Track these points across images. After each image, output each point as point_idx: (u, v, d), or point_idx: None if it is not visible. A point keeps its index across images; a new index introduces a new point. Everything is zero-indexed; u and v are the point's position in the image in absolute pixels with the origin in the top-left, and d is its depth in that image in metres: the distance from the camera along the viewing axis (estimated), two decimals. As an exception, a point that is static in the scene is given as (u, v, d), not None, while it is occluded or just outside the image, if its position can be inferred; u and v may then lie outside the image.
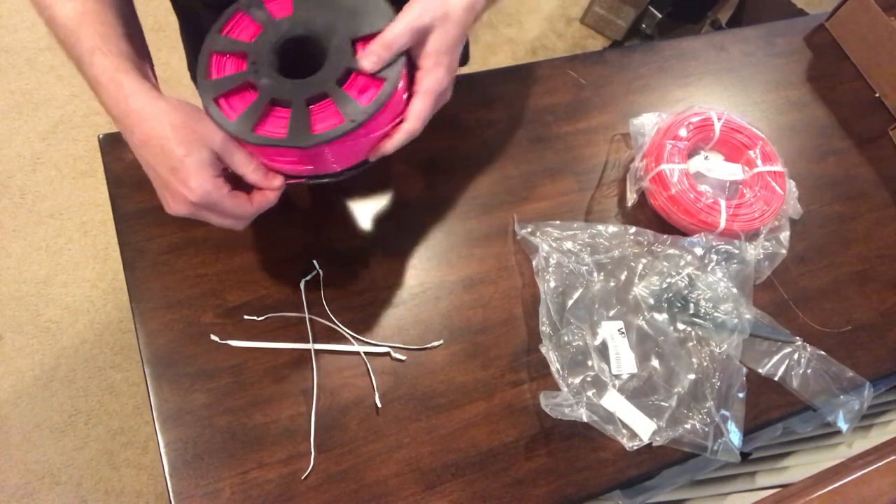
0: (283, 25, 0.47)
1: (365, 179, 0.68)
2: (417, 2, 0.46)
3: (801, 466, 0.71)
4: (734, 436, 0.60)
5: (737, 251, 0.68)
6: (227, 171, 0.47)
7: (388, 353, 0.59)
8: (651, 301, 0.65)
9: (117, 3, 0.50)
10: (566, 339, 0.62)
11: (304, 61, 0.47)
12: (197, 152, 0.44)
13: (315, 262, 0.62)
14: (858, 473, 0.53)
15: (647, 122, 0.73)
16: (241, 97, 0.46)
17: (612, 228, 0.68)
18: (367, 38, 0.46)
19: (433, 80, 0.47)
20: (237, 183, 0.48)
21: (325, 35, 0.47)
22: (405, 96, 0.48)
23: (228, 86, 0.46)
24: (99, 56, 0.45)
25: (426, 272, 0.64)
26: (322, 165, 0.48)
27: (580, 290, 0.64)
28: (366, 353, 0.59)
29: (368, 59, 0.45)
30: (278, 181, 0.49)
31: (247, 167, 0.47)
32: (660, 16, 1.93)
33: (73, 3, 0.47)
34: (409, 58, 0.48)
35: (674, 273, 0.66)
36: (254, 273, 0.61)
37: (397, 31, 0.45)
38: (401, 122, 0.48)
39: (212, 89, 0.46)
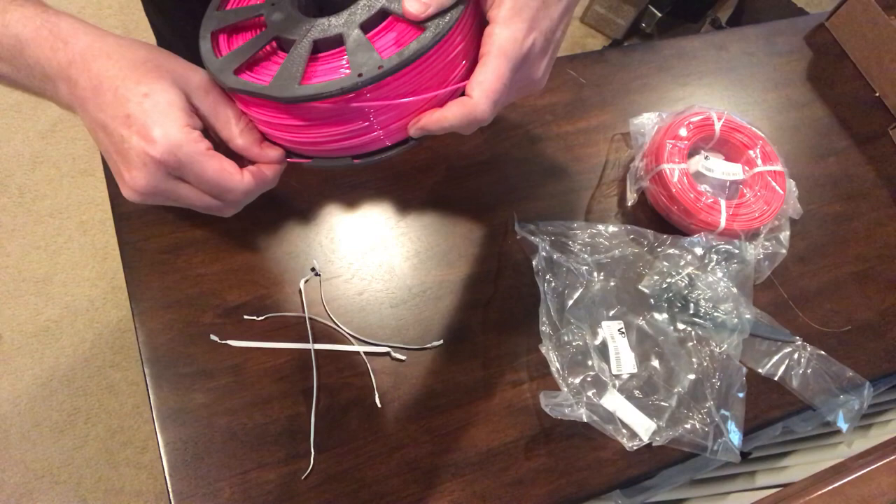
0: None
1: (365, 179, 0.68)
2: None
3: (801, 466, 0.71)
4: (734, 435, 0.60)
5: (737, 251, 0.68)
6: (208, 133, 0.37)
7: (387, 353, 0.59)
8: (651, 301, 0.65)
9: None
10: (566, 338, 0.62)
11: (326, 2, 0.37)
12: (162, 92, 0.33)
13: (315, 261, 0.62)
14: (858, 473, 0.53)
15: (647, 122, 0.73)
16: (245, 36, 0.37)
17: (611, 228, 0.68)
18: None
19: (507, 37, 0.33)
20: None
21: None
22: (464, 62, 0.35)
23: (235, 18, 0.37)
24: (12, 8, 0.34)
25: (426, 272, 0.64)
26: (326, 140, 0.37)
27: (580, 290, 0.64)
28: (365, 353, 0.59)
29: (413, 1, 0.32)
30: (275, 153, 0.39)
31: (233, 127, 0.36)
32: (660, 15, 1.93)
33: None
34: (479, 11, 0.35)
35: (674, 273, 0.66)
36: (254, 273, 0.61)
37: None
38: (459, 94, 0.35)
39: (216, 21, 0.37)
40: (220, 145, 0.37)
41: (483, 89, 0.33)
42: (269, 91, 0.33)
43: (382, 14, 0.34)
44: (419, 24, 0.33)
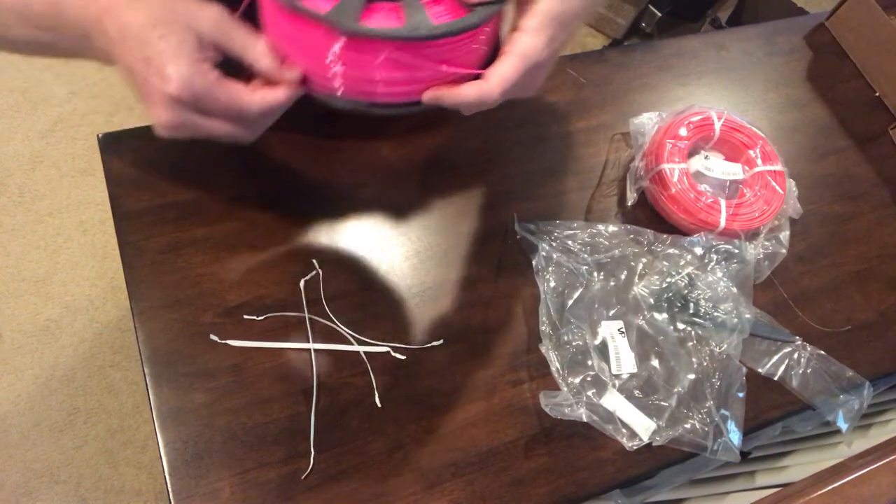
0: None
1: (365, 178, 0.68)
2: None
3: (801, 466, 0.71)
4: (734, 435, 0.60)
5: (737, 251, 0.68)
6: (219, 62, 0.39)
7: (387, 353, 0.59)
8: (651, 300, 0.65)
9: None
10: (566, 338, 0.62)
11: None
12: (175, 34, 0.37)
13: (315, 261, 0.62)
14: (858, 473, 0.53)
15: (647, 122, 0.73)
16: None
17: (611, 228, 0.68)
18: None
19: (530, 44, 0.39)
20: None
21: None
22: (485, 52, 0.41)
23: None
24: None
25: (426, 271, 0.64)
26: (363, 80, 0.39)
27: (580, 290, 0.64)
28: (365, 353, 0.59)
29: None
30: (294, 73, 0.40)
31: (252, 49, 0.39)
32: (659, 14, 1.93)
33: None
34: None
35: (674, 272, 0.66)
36: (253, 272, 0.61)
37: None
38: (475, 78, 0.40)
39: None
40: (243, 73, 0.40)
41: (499, 79, 0.39)
42: (331, 16, 0.36)
43: None
44: (467, 6, 0.37)
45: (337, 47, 0.38)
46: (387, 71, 0.39)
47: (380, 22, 0.37)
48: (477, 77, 0.40)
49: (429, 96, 0.40)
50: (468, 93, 0.39)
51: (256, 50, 0.39)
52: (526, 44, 0.39)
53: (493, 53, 0.41)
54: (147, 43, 0.36)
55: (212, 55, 0.38)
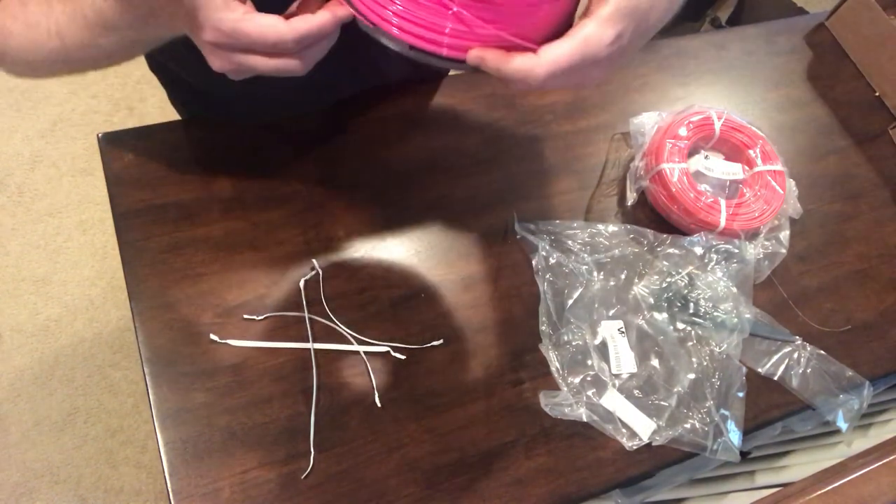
0: None
1: (365, 178, 0.68)
2: None
3: (801, 465, 0.71)
4: (734, 435, 0.60)
5: (736, 250, 0.68)
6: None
7: (387, 353, 0.59)
8: (651, 300, 0.65)
9: None
10: (566, 338, 0.62)
11: None
12: None
13: (314, 261, 0.62)
14: (858, 473, 0.53)
15: (647, 121, 0.73)
16: None
17: (611, 228, 0.68)
18: None
19: (595, 33, 0.36)
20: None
21: None
22: (549, 30, 0.38)
23: None
24: None
25: (426, 271, 0.64)
26: (414, 22, 0.37)
27: (580, 290, 0.64)
28: (365, 353, 0.59)
29: None
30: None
31: None
32: (659, 14, 1.92)
33: (57, 5, 0.43)
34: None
35: (674, 272, 0.66)
36: (253, 272, 0.61)
37: None
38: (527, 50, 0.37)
39: None
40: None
41: (550, 59, 0.35)
42: None
43: None
44: None
45: None
46: (440, 18, 0.36)
47: None
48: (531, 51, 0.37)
49: (473, 56, 0.37)
50: (513, 65, 0.36)
51: None
52: (590, 31, 0.36)
53: (560, 32, 0.38)
54: (181, 1, 0.37)
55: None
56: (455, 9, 0.36)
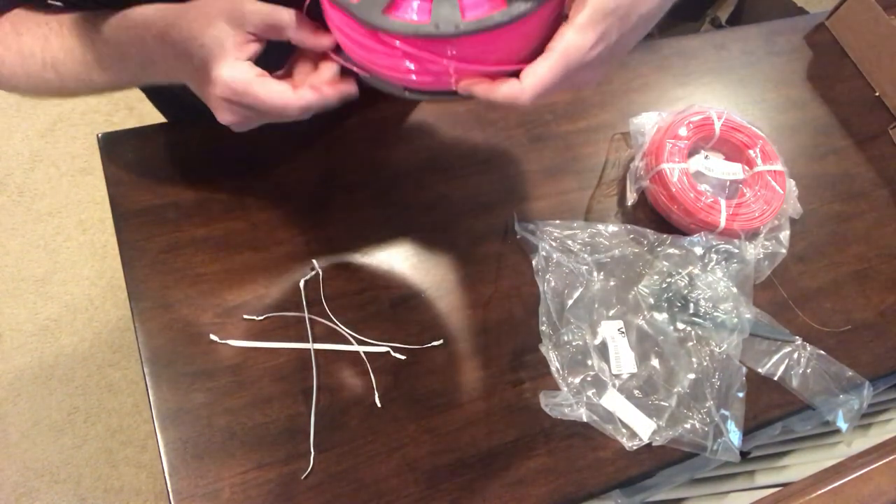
0: None
1: (365, 178, 0.68)
2: None
3: (801, 465, 0.71)
4: (734, 435, 0.60)
5: (737, 251, 0.68)
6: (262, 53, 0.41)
7: (387, 353, 0.59)
8: (651, 300, 0.65)
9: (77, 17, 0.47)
10: (566, 338, 0.62)
11: None
12: (213, 37, 0.38)
13: (314, 261, 0.62)
14: (858, 473, 0.53)
15: (647, 121, 0.73)
16: None
17: (611, 228, 0.68)
18: None
19: (575, 43, 0.35)
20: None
21: None
22: (531, 46, 0.37)
23: None
24: (102, 22, 0.42)
25: (426, 271, 0.64)
26: (392, 67, 0.39)
27: (580, 290, 0.64)
28: (365, 353, 0.59)
29: None
30: (327, 40, 0.40)
31: (284, 15, 0.39)
32: (659, 14, 1.92)
33: (54, 34, 0.45)
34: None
35: (674, 272, 0.66)
36: (253, 272, 0.61)
37: None
38: (513, 73, 0.37)
39: None
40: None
41: (534, 82, 0.35)
42: (354, 10, 0.35)
43: None
44: None
45: (362, 38, 0.38)
46: (412, 63, 0.38)
47: (406, 13, 0.35)
48: (517, 72, 0.37)
49: (462, 88, 0.38)
50: (501, 93, 0.37)
51: (289, 15, 0.39)
52: (570, 42, 0.35)
53: (543, 43, 0.37)
54: (191, 56, 0.39)
55: (254, 46, 0.39)
56: (446, 61, 0.37)
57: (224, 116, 0.41)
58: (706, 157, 0.73)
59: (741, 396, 0.61)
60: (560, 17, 0.38)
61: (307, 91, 0.40)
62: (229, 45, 0.38)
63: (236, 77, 0.38)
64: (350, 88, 0.42)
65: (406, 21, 0.35)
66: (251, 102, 0.39)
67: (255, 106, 0.39)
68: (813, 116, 0.85)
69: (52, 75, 0.46)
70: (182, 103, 0.72)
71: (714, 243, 0.67)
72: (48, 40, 0.45)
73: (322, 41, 0.40)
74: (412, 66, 0.38)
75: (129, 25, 0.42)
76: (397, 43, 0.36)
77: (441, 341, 0.61)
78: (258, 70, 0.39)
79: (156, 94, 0.75)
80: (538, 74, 0.35)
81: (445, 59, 0.36)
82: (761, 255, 0.69)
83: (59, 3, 0.49)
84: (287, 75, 0.43)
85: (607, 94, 0.80)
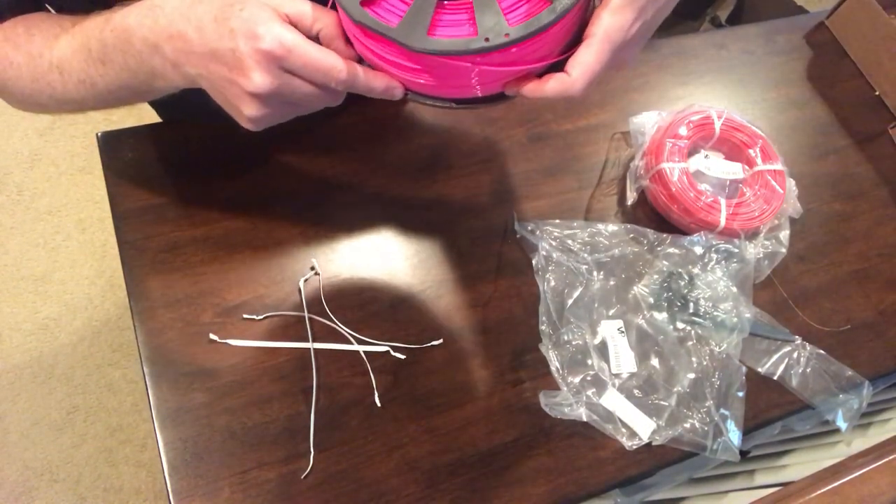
0: None
1: (365, 178, 0.68)
2: None
3: (800, 465, 0.71)
4: (733, 435, 0.60)
5: (736, 250, 0.68)
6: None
7: (387, 352, 0.59)
8: (651, 300, 0.65)
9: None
10: (566, 338, 0.62)
11: None
12: (256, 4, 0.37)
13: (314, 261, 0.62)
14: (857, 472, 0.53)
15: (647, 121, 0.73)
16: None
17: (611, 227, 0.68)
18: None
19: (615, 25, 0.35)
20: None
21: None
22: (568, 38, 0.37)
23: None
24: (114, 14, 0.41)
25: (426, 271, 0.64)
26: (441, 84, 0.39)
27: (580, 289, 0.64)
28: (365, 352, 0.59)
29: None
30: (352, 52, 0.40)
31: (322, 20, 0.38)
32: (659, 13, 1.92)
33: (65, 34, 0.44)
34: None
35: (673, 272, 0.66)
36: (253, 272, 0.61)
37: None
38: (557, 62, 0.37)
39: None
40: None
41: (583, 70, 0.35)
42: (397, 35, 0.34)
43: None
44: None
45: (409, 62, 0.37)
46: (463, 77, 0.37)
47: (450, 29, 0.35)
48: (560, 63, 0.37)
49: (511, 91, 0.38)
50: (552, 89, 0.36)
51: (327, 21, 0.38)
52: (610, 25, 0.35)
53: (580, 31, 0.37)
54: (228, 18, 0.37)
55: (290, 26, 0.38)
56: (476, 70, 0.36)
57: (259, 80, 0.37)
58: (706, 156, 0.73)
59: (741, 396, 0.61)
60: (585, 10, 0.38)
61: (356, 66, 0.39)
62: (273, 8, 0.37)
63: (287, 34, 0.36)
64: (397, 87, 0.40)
65: (454, 38, 0.34)
66: (298, 59, 0.37)
67: (301, 64, 0.37)
68: (813, 116, 0.85)
69: (56, 77, 0.46)
70: (180, 106, 0.72)
71: (714, 243, 0.67)
72: (58, 38, 0.45)
73: (350, 51, 0.40)
74: (459, 81, 0.37)
75: (143, 5, 0.41)
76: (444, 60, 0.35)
77: (441, 341, 0.60)
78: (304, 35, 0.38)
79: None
80: (586, 63, 0.35)
81: (494, 67, 0.36)
82: (761, 255, 0.69)
83: (51, 10, 0.49)
84: None
85: (607, 93, 0.79)
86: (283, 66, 0.38)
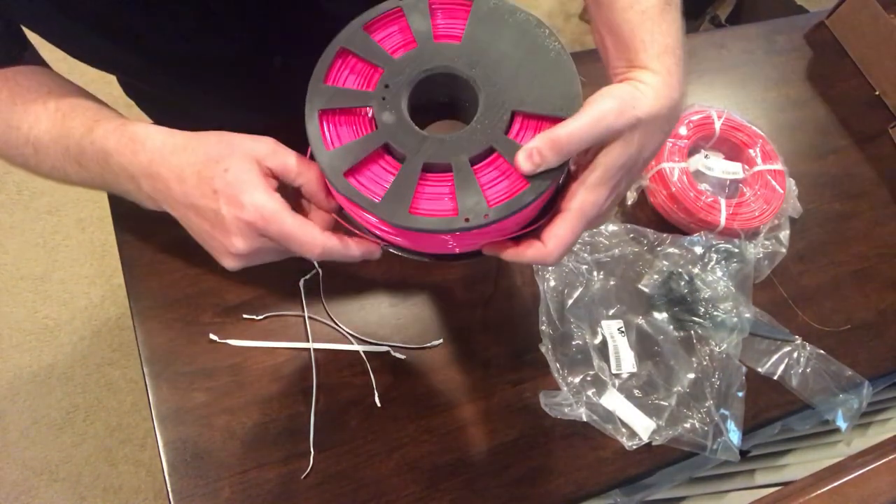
0: (443, 52, 0.37)
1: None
2: (613, 93, 0.37)
3: (800, 464, 0.71)
4: (733, 435, 0.60)
5: (736, 250, 0.68)
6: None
7: (387, 352, 0.59)
8: (651, 300, 0.65)
9: (86, 94, 0.47)
10: (566, 338, 0.62)
11: (435, 104, 0.38)
12: (239, 165, 0.37)
13: (314, 261, 0.62)
14: (857, 472, 0.53)
15: (648, 121, 0.73)
16: (350, 122, 0.37)
17: (611, 227, 0.68)
18: (534, 118, 0.36)
19: (589, 200, 0.36)
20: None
21: (483, 86, 0.36)
22: (542, 205, 0.39)
23: (343, 102, 0.36)
24: (97, 127, 0.42)
25: (425, 271, 0.64)
26: (420, 245, 0.40)
27: (580, 289, 0.64)
28: (365, 352, 0.59)
29: (527, 159, 0.34)
30: (333, 203, 0.41)
31: (305, 175, 0.39)
32: (659, 12, 1.92)
33: (47, 116, 0.44)
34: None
35: (673, 272, 0.66)
36: (253, 272, 0.60)
37: (577, 129, 0.34)
38: (531, 228, 0.39)
39: (323, 98, 0.36)
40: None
41: (557, 243, 0.37)
42: (379, 212, 0.34)
43: (489, 150, 0.36)
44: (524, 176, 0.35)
45: (390, 229, 0.38)
46: (441, 243, 0.39)
47: (431, 203, 0.35)
48: (534, 227, 0.39)
49: (488, 251, 0.40)
50: (529, 256, 0.38)
51: (309, 176, 0.39)
52: (585, 201, 0.36)
53: (554, 198, 0.39)
54: (212, 178, 0.37)
55: (273, 181, 0.39)
56: (454, 237, 0.37)
57: (239, 244, 0.38)
58: (706, 156, 0.73)
59: (741, 396, 0.61)
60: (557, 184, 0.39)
61: (333, 238, 0.39)
62: (258, 174, 0.38)
63: (268, 204, 0.37)
64: (375, 250, 0.41)
65: (435, 217, 0.34)
66: (276, 231, 0.37)
67: (279, 236, 0.38)
68: (813, 115, 0.85)
69: (30, 152, 0.45)
70: (178, 110, 0.71)
71: (714, 243, 0.67)
72: (39, 119, 0.44)
73: (330, 203, 0.40)
74: (437, 245, 0.39)
75: (123, 134, 0.41)
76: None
77: (441, 341, 0.60)
78: (287, 204, 0.39)
79: (150, 102, 0.75)
80: (560, 236, 0.37)
81: (472, 236, 0.37)
82: (761, 255, 0.69)
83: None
84: (299, 208, 0.42)
85: (607, 93, 0.79)
86: (262, 234, 0.38)
